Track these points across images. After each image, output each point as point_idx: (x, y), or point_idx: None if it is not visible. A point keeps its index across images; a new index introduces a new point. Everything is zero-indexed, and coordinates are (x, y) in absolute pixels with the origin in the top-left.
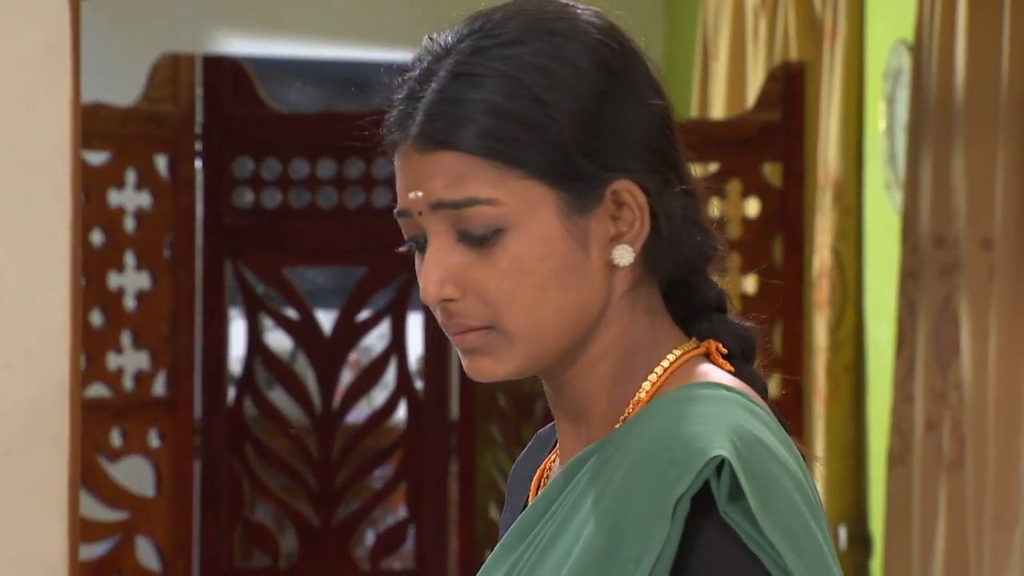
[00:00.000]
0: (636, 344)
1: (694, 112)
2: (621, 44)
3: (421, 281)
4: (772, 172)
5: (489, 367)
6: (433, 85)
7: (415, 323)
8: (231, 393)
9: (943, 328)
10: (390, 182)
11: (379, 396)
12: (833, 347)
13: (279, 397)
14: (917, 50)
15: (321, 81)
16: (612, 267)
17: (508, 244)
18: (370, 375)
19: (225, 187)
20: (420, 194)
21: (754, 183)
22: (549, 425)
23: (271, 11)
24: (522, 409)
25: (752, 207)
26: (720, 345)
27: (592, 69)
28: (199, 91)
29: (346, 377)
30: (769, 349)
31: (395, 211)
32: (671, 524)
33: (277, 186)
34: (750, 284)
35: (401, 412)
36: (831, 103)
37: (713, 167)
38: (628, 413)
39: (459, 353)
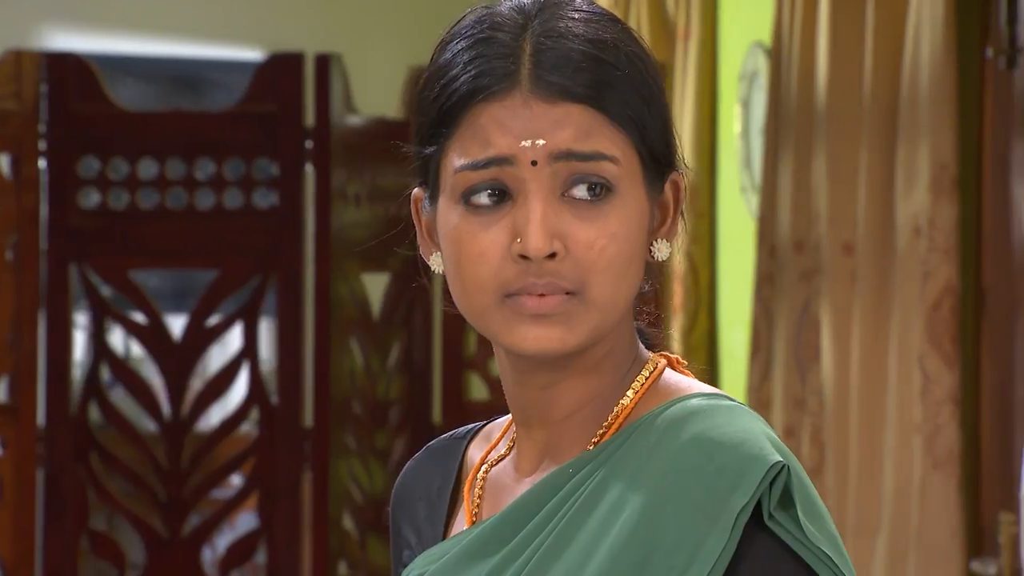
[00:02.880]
0: (630, 348)
1: None
2: None
3: (528, 235)
4: None
5: (561, 337)
6: (541, 41)
7: (267, 328)
8: (76, 400)
9: (803, 333)
10: (241, 183)
11: (230, 403)
12: (685, 353)
13: (126, 404)
14: (775, 52)
15: (154, 79)
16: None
17: (617, 208)
18: (221, 381)
19: (70, 187)
20: (542, 142)
21: None
22: (446, 436)
23: (101, 6)
24: (377, 417)
25: None
26: (679, 358)
27: (655, 60)
28: (43, 88)
29: (196, 383)
30: None
31: (480, 161)
32: (731, 534)
33: (124, 186)
34: None
35: (253, 419)
36: (684, 105)
37: None
38: (611, 423)
39: (509, 322)
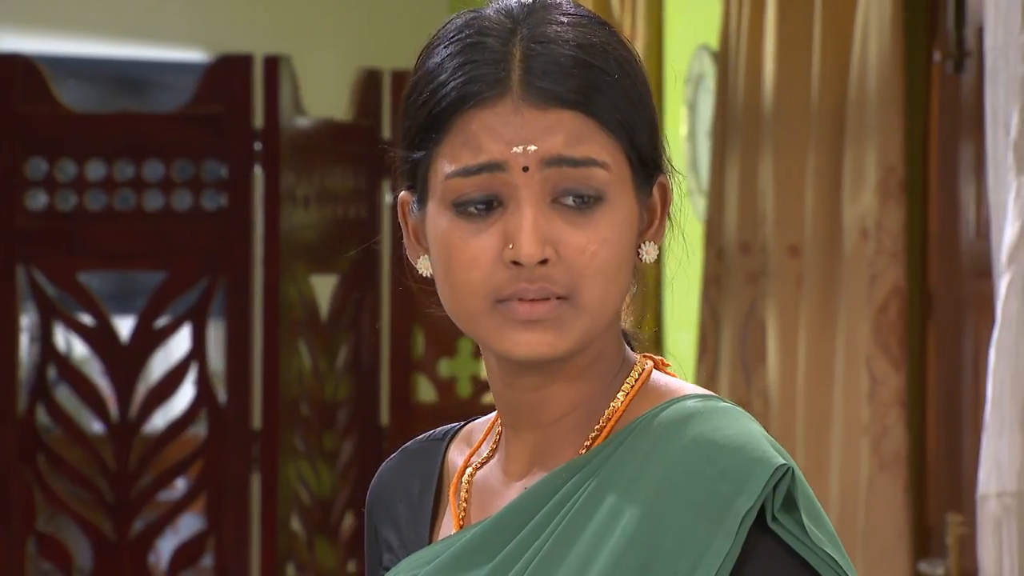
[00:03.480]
0: (617, 351)
1: None
2: None
3: (520, 242)
4: None
5: (552, 343)
6: (530, 47)
7: (217, 330)
8: (22, 401)
9: (748, 336)
10: (189, 185)
11: (178, 405)
12: None
13: (74, 405)
14: (723, 55)
15: (98, 80)
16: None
17: (607, 213)
18: (169, 383)
19: (17, 188)
20: (533, 148)
21: None
22: (422, 438)
23: (43, 7)
24: (325, 418)
25: None
26: (663, 360)
27: (641, 64)
28: None
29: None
30: None
31: (470, 167)
32: (735, 538)
33: (72, 188)
34: None
35: (202, 421)
36: None
37: None
38: (603, 426)
39: (501, 329)
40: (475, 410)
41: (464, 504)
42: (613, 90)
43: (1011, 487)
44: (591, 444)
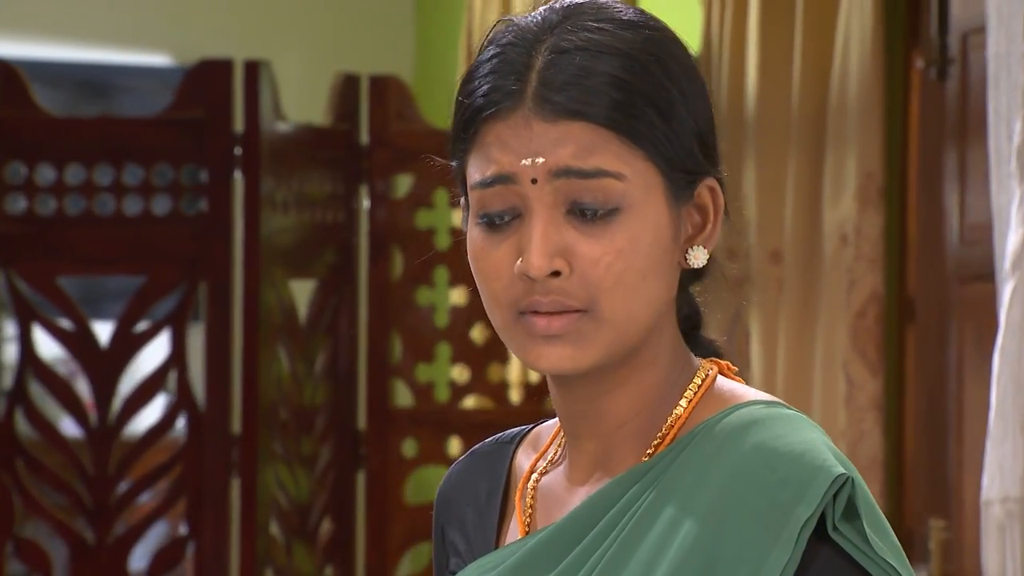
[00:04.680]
0: (676, 357)
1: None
2: (681, 39)
3: (528, 254)
4: None
5: (572, 356)
6: (549, 56)
7: (196, 334)
8: (2, 406)
9: (734, 342)
10: (170, 190)
11: (158, 409)
12: None
13: (53, 410)
14: (704, 61)
15: (62, 84)
16: (677, 268)
17: (624, 224)
18: (148, 388)
19: None
20: (541, 160)
21: None
22: (491, 440)
23: (7, 10)
24: (303, 423)
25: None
26: (730, 364)
27: (685, 63)
28: None
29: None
30: None
31: (485, 179)
32: (794, 547)
33: (51, 192)
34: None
35: (181, 426)
36: None
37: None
38: (665, 432)
39: (523, 342)
40: (452, 416)
41: (530, 510)
42: (633, 99)
43: (1015, 492)
44: (653, 451)
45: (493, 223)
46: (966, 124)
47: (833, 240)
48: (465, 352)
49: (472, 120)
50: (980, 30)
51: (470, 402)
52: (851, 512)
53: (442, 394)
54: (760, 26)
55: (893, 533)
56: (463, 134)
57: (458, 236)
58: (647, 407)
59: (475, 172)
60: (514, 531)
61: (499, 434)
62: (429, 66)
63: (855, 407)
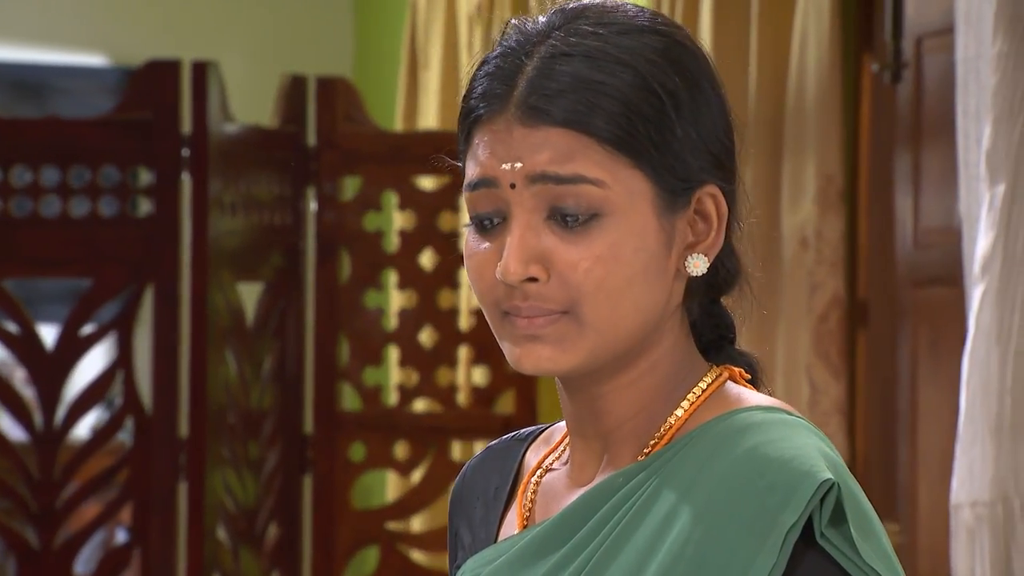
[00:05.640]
0: (680, 362)
1: (400, 123)
2: (697, 45)
3: (504, 260)
4: None
5: (552, 357)
6: (537, 61)
7: (143, 337)
8: None
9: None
10: (117, 191)
11: (104, 413)
12: None
13: None
14: None
15: None
16: (678, 275)
17: (605, 230)
18: (94, 392)
19: None
20: (519, 165)
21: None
22: (507, 437)
23: None
24: (250, 427)
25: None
26: (743, 371)
27: (691, 68)
28: None
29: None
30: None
31: (472, 182)
32: (779, 553)
33: None
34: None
35: (128, 429)
36: None
37: (443, 180)
38: (664, 433)
39: (508, 342)
40: (400, 420)
41: (530, 505)
42: (618, 106)
43: (984, 497)
44: (650, 450)
45: (483, 225)
46: (920, 128)
47: (793, 244)
48: (413, 355)
49: (466, 123)
50: (935, 34)
51: (418, 406)
52: (839, 517)
53: (390, 398)
54: (714, 28)
55: (886, 538)
56: (461, 136)
57: (406, 238)
58: (646, 408)
59: (467, 174)
60: (513, 525)
61: (516, 431)
62: (368, 66)
63: (819, 411)
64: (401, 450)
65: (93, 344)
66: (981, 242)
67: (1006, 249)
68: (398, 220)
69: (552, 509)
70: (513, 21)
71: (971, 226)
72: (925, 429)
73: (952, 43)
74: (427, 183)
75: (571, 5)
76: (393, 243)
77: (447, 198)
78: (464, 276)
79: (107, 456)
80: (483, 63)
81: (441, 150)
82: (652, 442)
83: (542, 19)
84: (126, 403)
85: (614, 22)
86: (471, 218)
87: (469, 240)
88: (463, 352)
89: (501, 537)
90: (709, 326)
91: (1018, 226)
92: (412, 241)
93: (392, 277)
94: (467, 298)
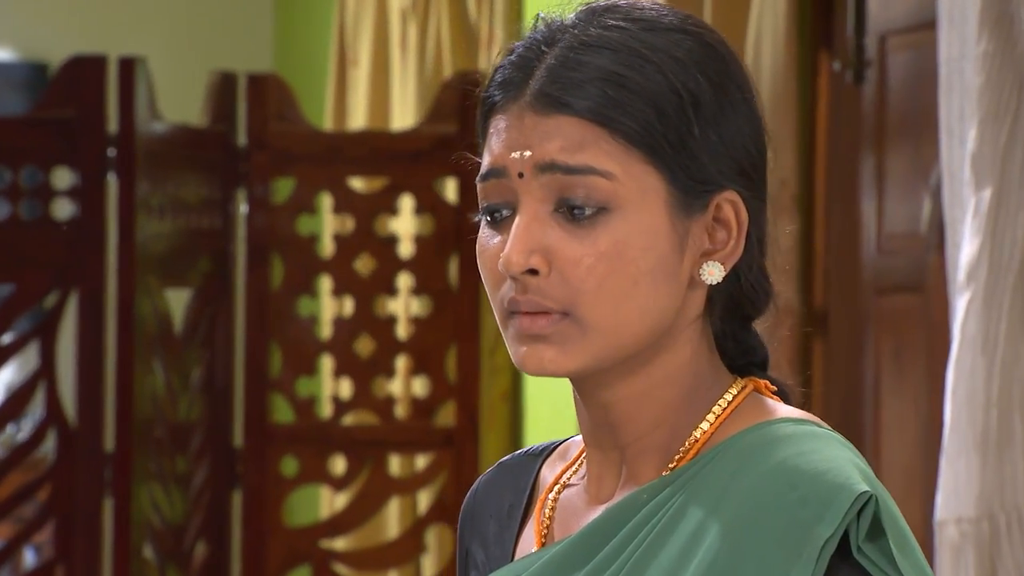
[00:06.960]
0: (702, 375)
1: (329, 122)
2: (730, 49)
3: (505, 250)
4: (447, 187)
5: (553, 359)
6: (558, 51)
7: (67, 346)
8: None
9: None
10: (39, 193)
11: (25, 425)
12: (488, 373)
13: None
14: None
15: None
16: (694, 283)
17: (612, 226)
18: (16, 402)
19: None
20: (528, 154)
21: (427, 199)
22: (520, 452)
23: None
24: (178, 441)
25: (426, 224)
26: (768, 383)
27: (718, 71)
28: None
29: None
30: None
31: (483, 172)
32: (815, 567)
33: None
34: (422, 305)
35: (50, 443)
36: None
37: (381, 182)
38: (689, 447)
39: (512, 342)
40: (334, 432)
41: (548, 521)
42: (636, 100)
43: (969, 513)
44: (675, 465)
45: (493, 217)
46: (884, 130)
47: None
48: (349, 365)
49: (483, 111)
50: (899, 31)
51: (354, 418)
52: (876, 531)
53: (324, 409)
54: None
55: (920, 551)
56: (480, 127)
57: (341, 243)
58: (666, 421)
59: (482, 165)
60: (530, 543)
61: (529, 447)
62: (290, 63)
63: None
64: (336, 464)
65: (14, 353)
66: (966, 249)
67: (992, 256)
68: (333, 224)
69: (572, 526)
70: (541, 14)
71: (955, 231)
72: (889, 441)
73: (919, 41)
74: (363, 185)
75: (602, 2)
76: (327, 248)
77: (384, 201)
78: (401, 282)
79: (29, 470)
80: (508, 53)
81: (378, 150)
82: (677, 456)
83: (571, 14)
84: (48, 415)
85: (642, 19)
86: (482, 210)
87: (481, 234)
88: (401, 362)
89: (518, 555)
90: (738, 352)
91: (1004, 232)
92: (347, 246)
93: (326, 283)
94: (405, 306)
